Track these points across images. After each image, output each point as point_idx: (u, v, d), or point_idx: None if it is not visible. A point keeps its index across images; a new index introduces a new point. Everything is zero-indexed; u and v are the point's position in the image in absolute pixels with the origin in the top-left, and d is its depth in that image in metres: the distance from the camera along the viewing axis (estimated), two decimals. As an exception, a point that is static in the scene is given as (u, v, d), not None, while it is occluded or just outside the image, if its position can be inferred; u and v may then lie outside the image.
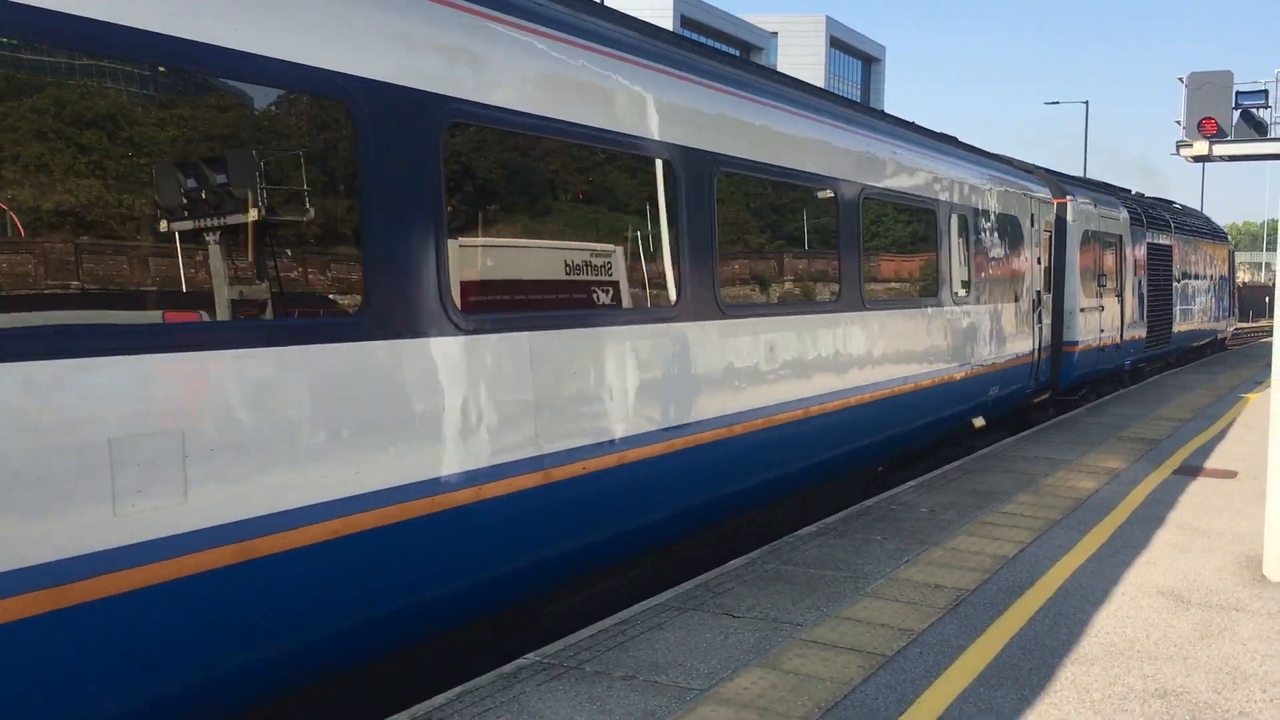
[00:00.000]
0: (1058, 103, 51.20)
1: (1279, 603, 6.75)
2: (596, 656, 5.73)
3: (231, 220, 4.65)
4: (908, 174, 11.24)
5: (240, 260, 4.70)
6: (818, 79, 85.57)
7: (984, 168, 13.93)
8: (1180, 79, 23.70)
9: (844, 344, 9.63)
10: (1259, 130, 23.53)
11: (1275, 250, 8.45)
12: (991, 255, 13.63)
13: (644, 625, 6.25)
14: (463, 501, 5.57)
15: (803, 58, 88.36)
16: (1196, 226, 29.33)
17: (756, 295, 8.59)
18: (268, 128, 4.92)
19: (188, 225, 4.53)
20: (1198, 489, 10.30)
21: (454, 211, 5.73)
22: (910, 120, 12.76)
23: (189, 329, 4.42)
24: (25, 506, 3.78)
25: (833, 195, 9.59)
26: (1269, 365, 25.22)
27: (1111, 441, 13.30)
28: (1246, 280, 74.42)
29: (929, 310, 11.61)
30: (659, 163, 7.26)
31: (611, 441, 6.66)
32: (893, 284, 11.15)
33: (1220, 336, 33.46)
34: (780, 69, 10.76)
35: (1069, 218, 17.17)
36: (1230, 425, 14.77)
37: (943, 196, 12.10)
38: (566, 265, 6.60)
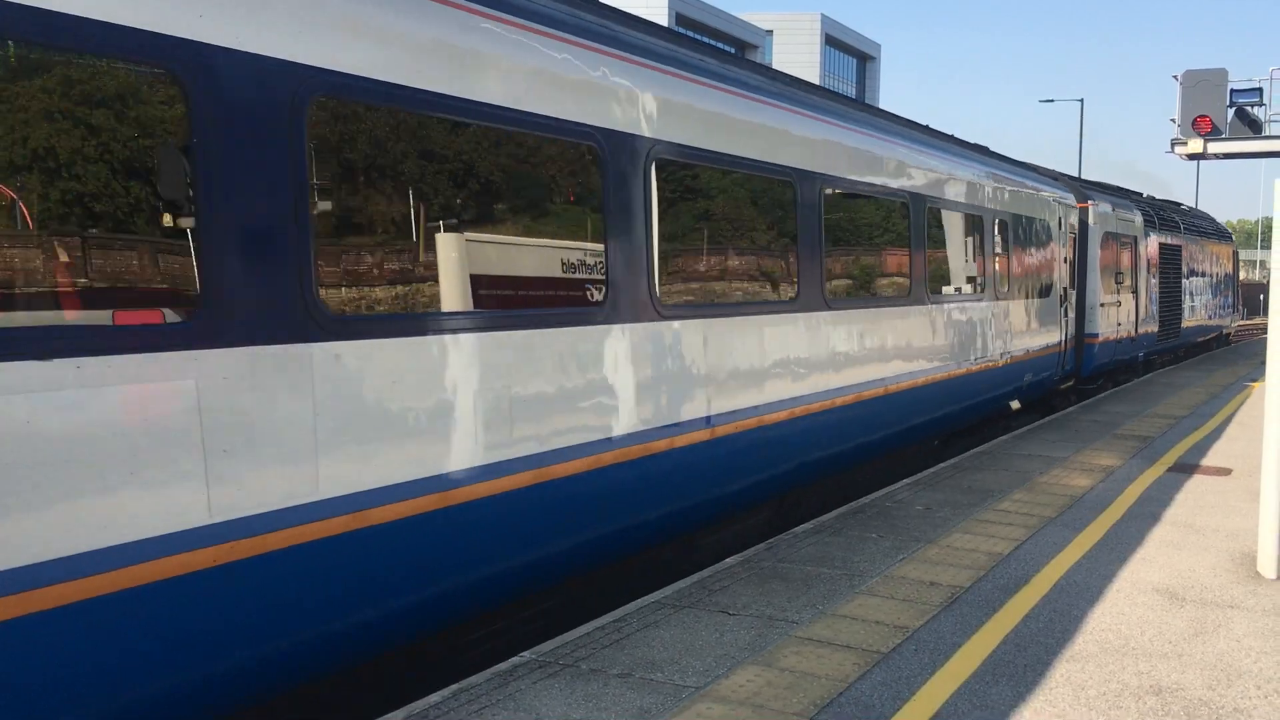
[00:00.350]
0: (1052, 100, 51.21)
1: (1273, 600, 6.77)
2: (593, 654, 5.74)
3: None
4: (963, 187, 12.89)
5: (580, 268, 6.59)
6: (813, 77, 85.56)
7: (1019, 177, 15.50)
8: (1175, 77, 23.74)
9: (912, 334, 11.24)
10: (1253, 128, 23.58)
11: (1270, 248, 8.62)
12: (1027, 256, 15.32)
13: (640, 623, 6.25)
14: (683, 443, 7.42)
15: (798, 55, 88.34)
16: (1203, 227, 30.69)
17: (850, 291, 10.11)
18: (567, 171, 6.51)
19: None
20: (1192, 486, 10.32)
21: (660, 233, 7.30)
22: (953, 135, 14.23)
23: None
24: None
25: (908, 208, 11.24)
26: (1263, 363, 25.29)
27: (1106, 439, 13.33)
28: (1242, 278, 74.58)
29: (980, 305, 13.29)
30: (790, 187, 8.93)
31: (755, 407, 8.30)
32: (949, 282, 12.54)
33: (1225, 332, 34.89)
34: (775, 66, 10.78)
35: (1090, 220, 18.74)
36: (1225, 423, 14.80)
37: (989, 205, 13.75)
38: (728, 271, 8.30)
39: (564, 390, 6.34)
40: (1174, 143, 24.13)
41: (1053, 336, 16.59)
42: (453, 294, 5.69)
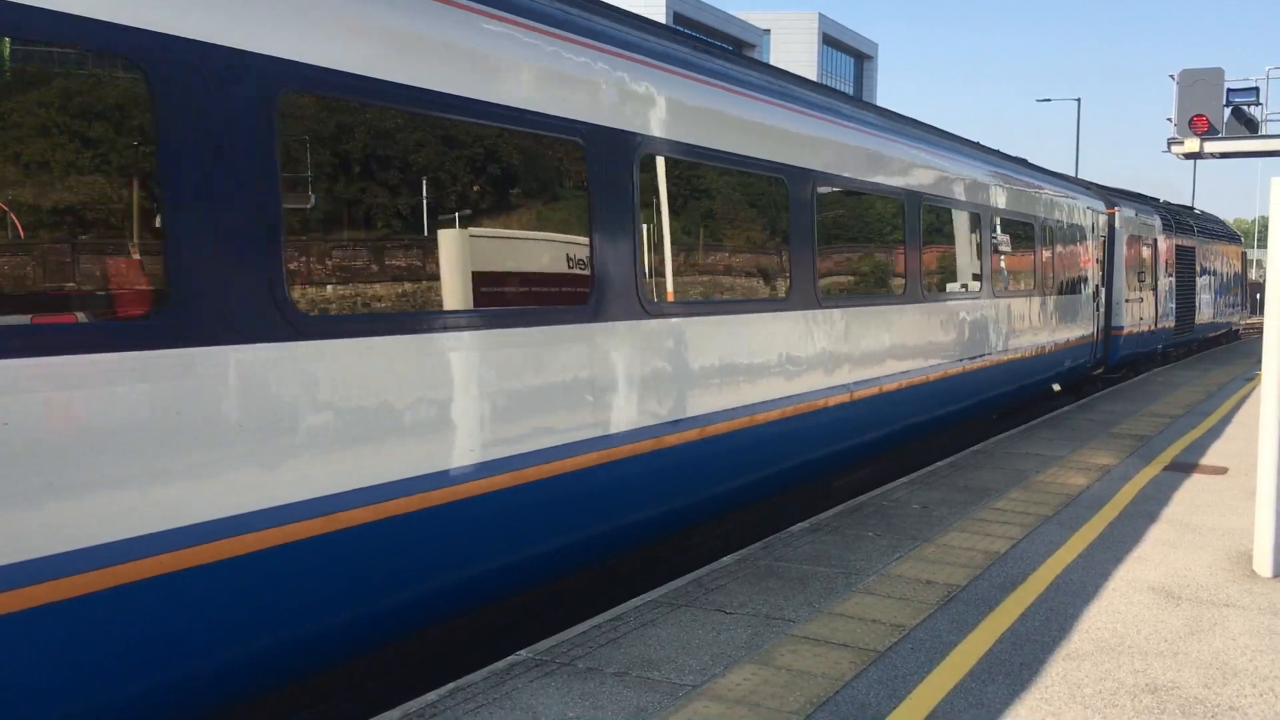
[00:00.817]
0: (1049, 100, 51.23)
1: (1269, 598, 6.78)
2: (589, 653, 5.74)
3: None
4: (1020, 200, 15.23)
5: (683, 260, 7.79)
6: (810, 75, 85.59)
7: (1060, 187, 17.83)
8: (1172, 76, 23.76)
9: (984, 325, 13.55)
10: (1250, 127, 23.61)
11: (1267, 248, 9.12)
12: (1069, 258, 17.65)
13: (637, 621, 6.25)
14: (823, 405, 9.43)
15: (795, 54, 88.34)
16: (1214, 230, 32.94)
17: (946, 288, 12.61)
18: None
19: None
20: (1189, 485, 10.33)
21: (822, 238, 9.53)
22: (999, 149, 16.48)
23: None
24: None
25: (979, 219, 13.51)
26: (1259, 362, 25.32)
27: (1102, 438, 13.34)
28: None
29: (1034, 300, 15.70)
30: (901, 205, 11.21)
31: (877, 378, 10.49)
32: (1010, 280, 14.79)
33: (1234, 328, 37.57)
34: (773, 65, 10.87)
35: (1117, 225, 20.84)
36: (1221, 422, 14.82)
37: (1039, 214, 16.12)
38: (859, 271, 10.50)
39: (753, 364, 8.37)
40: (1170, 142, 24.16)
41: (1087, 329, 18.85)
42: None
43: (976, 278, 13.43)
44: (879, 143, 10.69)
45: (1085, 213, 18.82)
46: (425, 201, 5.65)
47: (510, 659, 5.66)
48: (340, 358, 4.98)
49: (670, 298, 7.49)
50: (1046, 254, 16.39)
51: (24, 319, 3.93)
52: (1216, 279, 31.99)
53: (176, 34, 4.30)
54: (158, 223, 4.31)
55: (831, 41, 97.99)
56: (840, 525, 8.60)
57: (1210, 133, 23.44)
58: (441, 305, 5.66)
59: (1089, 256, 18.94)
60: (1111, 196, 21.43)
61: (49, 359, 3.89)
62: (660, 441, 7.16)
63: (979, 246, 13.46)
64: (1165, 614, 6.46)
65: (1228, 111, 23.47)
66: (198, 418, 4.35)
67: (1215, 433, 13.75)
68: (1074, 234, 17.95)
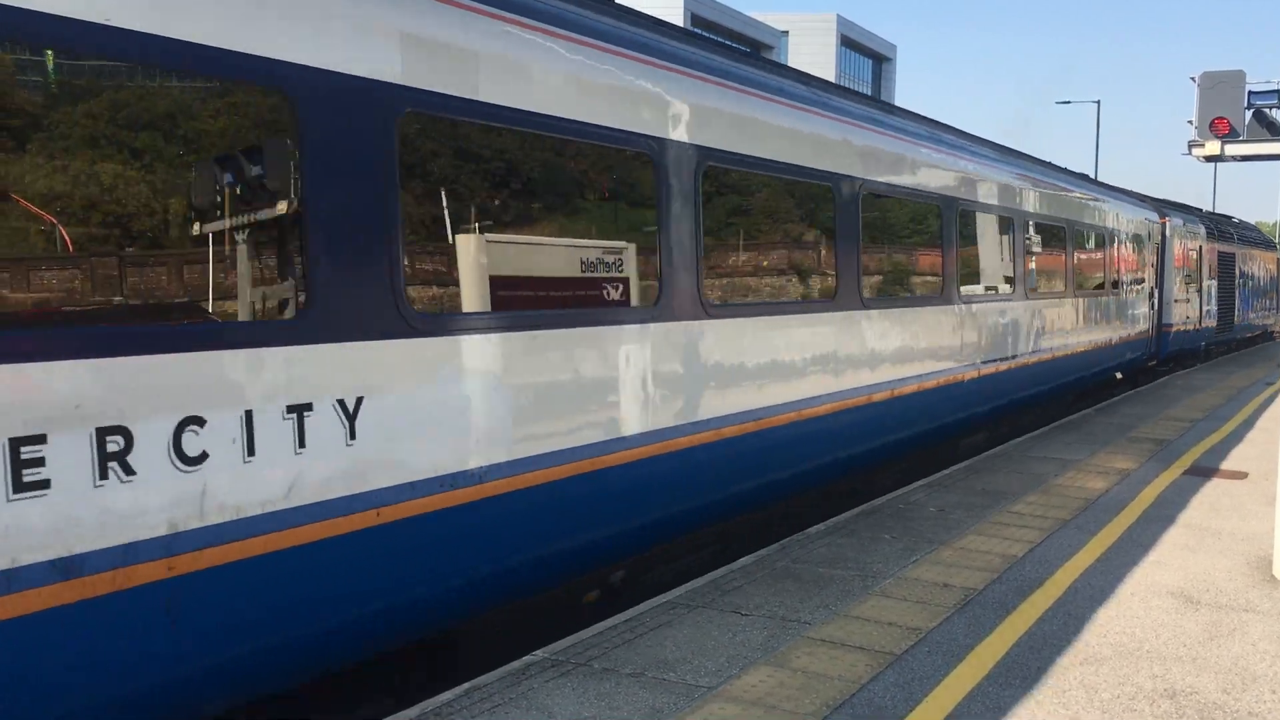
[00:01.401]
0: (1069, 102, 51.02)
1: (1289, 604, 6.73)
2: (605, 654, 5.74)
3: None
4: (1096, 213, 18.11)
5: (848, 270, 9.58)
6: (828, 77, 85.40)
7: (1122, 201, 20.66)
8: (1192, 78, 23.61)
9: (1067, 320, 16.21)
10: (1271, 130, 23.42)
11: None
12: (1130, 262, 20.35)
13: (653, 622, 6.25)
14: (963, 379, 12.11)
15: (813, 56, 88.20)
16: (1252, 237, 35.81)
17: (1044, 286, 15.28)
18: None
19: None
20: (1208, 490, 10.27)
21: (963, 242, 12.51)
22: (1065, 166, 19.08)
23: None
24: None
25: (1065, 232, 16.29)
26: (1279, 365, 25.15)
27: (1121, 441, 13.27)
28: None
29: (1105, 299, 18.49)
30: (1011, 221, 13.83)
31: (998, 359, 13.20)
32: (1088, 281, 17.64)
33: (1271, 329, 40.24)
34: (792, 66, 10.92)
35: (1168, 233, 23.57)
36: (1241, 426, 14.72)
37: (1109, 225, 18.97)
38: (984, 276, 13.20)
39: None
40: (1191, 144, 23.99)
41: (1145, 324, 21.53)
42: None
43: (1064, 282, 16.20)
44: (990, 170, 13.41)
45: (1143, 223, 21.65)
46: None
47: (526, 659, 5.67)
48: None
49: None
50: (1114, 260, 19.16)
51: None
52: (1253, 283, 34.62)
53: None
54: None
55: (850, 43, 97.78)
56: (857, 527, 8.58)
57: (1231, 135, 23.26)
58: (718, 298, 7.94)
59: (1146, 262, 21.67)
60: (1162, 207, 24.29)
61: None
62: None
63: (1066, 255, 16.29)
64: (1184, 619, 6.42)
65: (1249, 114, 23.30)
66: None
67: (1235, 437, 13.65)
68: (1135, 242, 20.76)
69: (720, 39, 10.10)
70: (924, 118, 12.63)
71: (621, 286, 6.82)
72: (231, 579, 4.40)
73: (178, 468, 4.21)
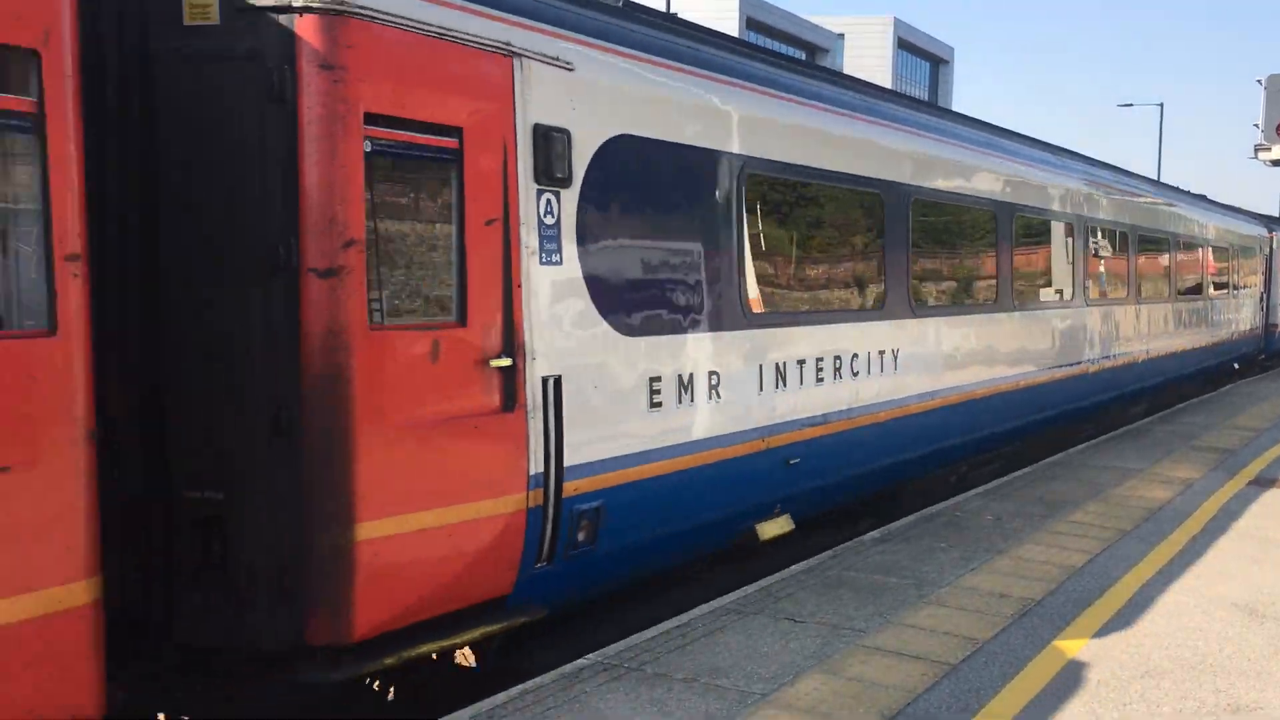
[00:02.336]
0: (1131, 105, 50.26)
1: (1359, 619, 6.57)
2: (658, 658, 5.75)
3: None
4: (1216, 233, 21.46)
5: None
6: (884, 80, 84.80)
7: (1238, 218, 24.67)
8: (1259, 80, 23.15)
9: (1199, 319, 19.85)
10: (1341, 133, 22.89)
11: None
12: (1245, 270, 24.00)
13: (705, 628, 6.25)
14: (1128, 362, 15.81)
15: (869, 59, 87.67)
16: None
17: (1188, 294, 19.22)
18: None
19: None
20: (1273, 501, 10.05)
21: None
22: (1186, 188, 22.94)
23: None
24: None
25: (1198, 246, 20.09)
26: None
27: (1183, 450, 13.03)
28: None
29: (1227, 302, 22.08)
30: (1126, 238, 16.25)
31: (1148, 349, 16.58)
32: (1218, 285, 21.43)
33: None
34: (847, 70, 11.21)
35: (1275, 245, 27.46)
36: (1309, 435, 14.40)
37: (1233, 242, 22.72)
38: (1152, 283, 17.65)
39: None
40: (1257, 148, 23.53)
41: (1255, 323, 25.32)
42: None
43: (1200, 286, 20.20)
44: (1196, 215, 19.82)
45: (1255, 236, 25.42)
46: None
47: (579, 662, 5.69)
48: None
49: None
50: (1234, 269, 22.96)
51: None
52: None
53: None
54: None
55: (907, 46, 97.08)
56: (911, 535, 8.51)
57: (1300, 139, 22.78)
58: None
59: (1257, 269, 25.65)
60: (1270, 223, 28.52)
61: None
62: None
63: (1200, 265, 20.33)
64: (1249, 632, 6.29)
65: (1319, 117, 22.79)
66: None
67: (1302, 447, 13.36)
68: (1248, 253, 24.48)
69: (774, 44, 10.31)
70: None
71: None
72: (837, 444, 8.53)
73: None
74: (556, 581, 6.12)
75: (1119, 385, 15.45)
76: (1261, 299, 26.08)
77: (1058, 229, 13.13)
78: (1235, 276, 23.07)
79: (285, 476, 4.82)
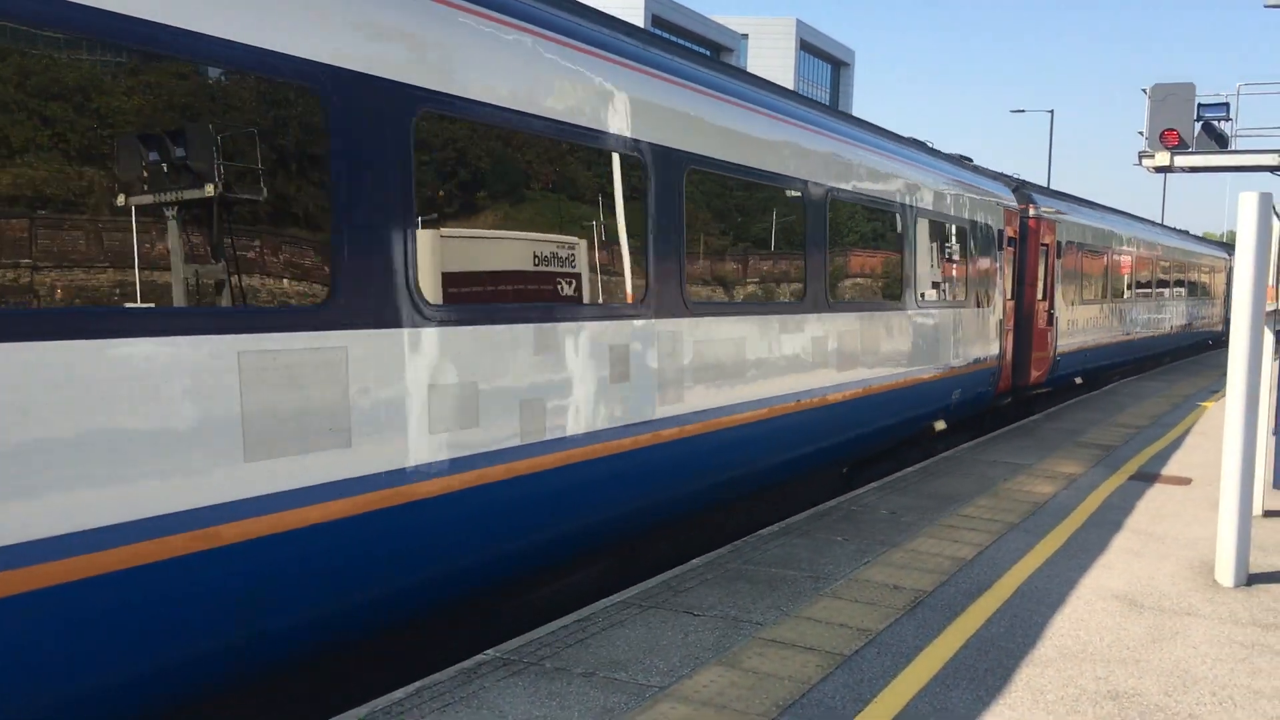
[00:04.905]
0: (1023, 111, 51.62)
1: (1230, 608, 6.87)
2: (557, 653, 5.74)
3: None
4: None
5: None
6: (787, 82, 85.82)
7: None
8: (1144, 90, 24.00)
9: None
10: (1220, 142, 23.86)
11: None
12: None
13: (605, 622, 6.26)
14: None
15: (772, 60, 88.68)
16: None
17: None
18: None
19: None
20: (1153, 495, 10.44)
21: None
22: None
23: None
24: None
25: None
26: (1225, 375, 25.69)
27: (1069, 447, 13.46)
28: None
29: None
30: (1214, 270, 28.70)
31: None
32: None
33: None
34: (749, 70, 10.88)
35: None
36: (1185, 433, 14.99)
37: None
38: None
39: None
40: (1141, 155, 24.39)
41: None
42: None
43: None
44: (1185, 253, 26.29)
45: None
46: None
47: (478, 658, 5.66)
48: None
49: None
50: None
51: None
52: None
53: None
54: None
55: (809, 48, 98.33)
56: (810, 529, 8.64)
57: (1181, 147, 23.68)
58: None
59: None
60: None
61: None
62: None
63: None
64: (1128, 622, 6.53)
65: (1198, 126, 23.72)
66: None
67: (1179, 444, 13.90)
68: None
69: (682, 42, 10.20)
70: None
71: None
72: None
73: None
74: None
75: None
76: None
77: None
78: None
79: None
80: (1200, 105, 23.78)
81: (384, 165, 5.27)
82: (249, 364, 4.60)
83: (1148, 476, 11.43)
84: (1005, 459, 12.40)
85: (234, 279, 4.63)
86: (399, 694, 5.16)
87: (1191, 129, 23.74)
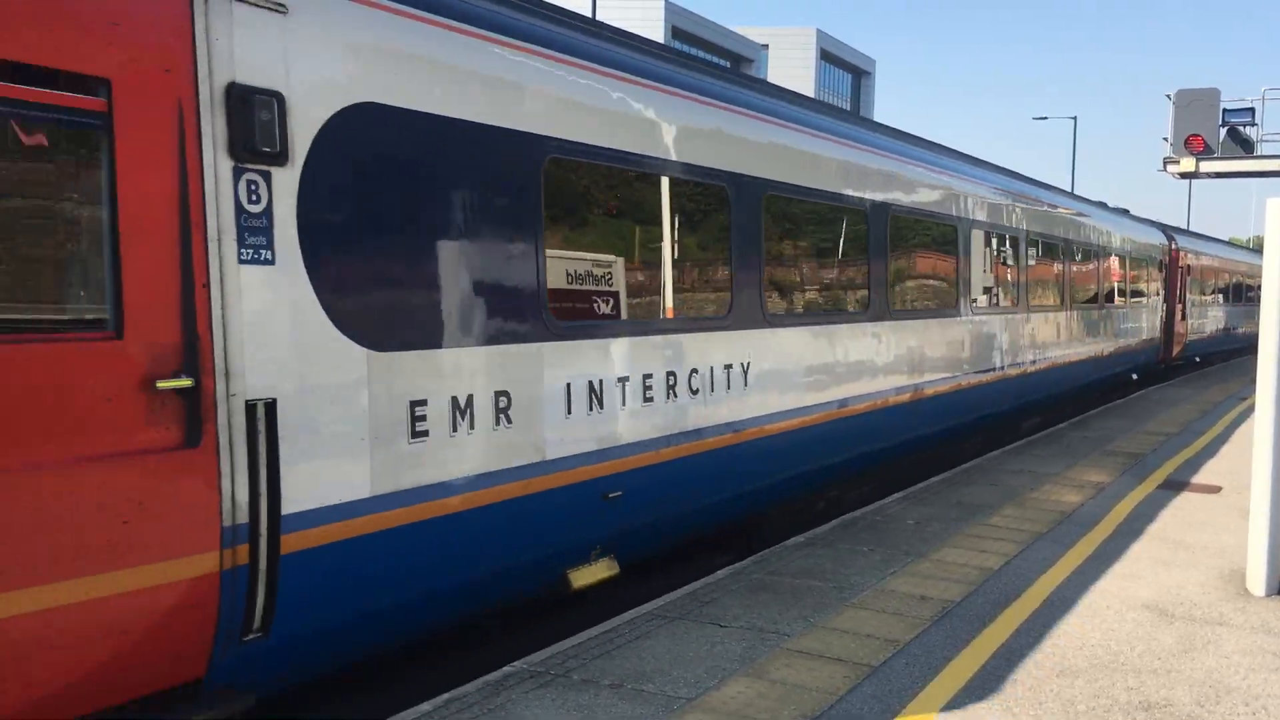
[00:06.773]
0: (1046, 118, 51.47)
1: (1262, 617, 6.80)
2: (584, 665, 5.74)
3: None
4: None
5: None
6: (807, 91, 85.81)
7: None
8: (1168, 96, 23.88)
9: None
10: (1245, 147, 23.72)
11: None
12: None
13: (631, 634, 6.26)
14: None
15: (793, 70, 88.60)
16: None
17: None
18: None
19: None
20: (1182, 504, 10.36)
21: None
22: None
23: None
24: None
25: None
26: (1254, 380, 25.40)
27: (1096, 455, 13.37)
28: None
29: None
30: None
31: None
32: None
33: None
34: (771, 80, 10.96)
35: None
36: (1215, 440, 14.86)
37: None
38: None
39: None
40: (1166, 161, 24.27)
41: None
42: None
43: None
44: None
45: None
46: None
47: (505, 670, 5.66)
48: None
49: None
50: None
51: None
52: None
53: None
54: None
55: (829, 57, 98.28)
56: (834, 540, 8.61)
57: (1206, 152, 23.55)
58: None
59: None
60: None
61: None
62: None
63: None
64: (1159, 631, 6.48)
65: (1223, 131, 23.58)
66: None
67: (1209, 451, 13.78)
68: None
69: (701, 53, 10.27)
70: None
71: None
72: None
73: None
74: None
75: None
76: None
77: None
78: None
79: None
80: (1225, 110, 23.65)
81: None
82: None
83: (1177, 484, 11.33)
84: (1030, 468, 12.32)
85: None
86: (426, 706, 5.17)
87: (1216, 134, 23.61)
